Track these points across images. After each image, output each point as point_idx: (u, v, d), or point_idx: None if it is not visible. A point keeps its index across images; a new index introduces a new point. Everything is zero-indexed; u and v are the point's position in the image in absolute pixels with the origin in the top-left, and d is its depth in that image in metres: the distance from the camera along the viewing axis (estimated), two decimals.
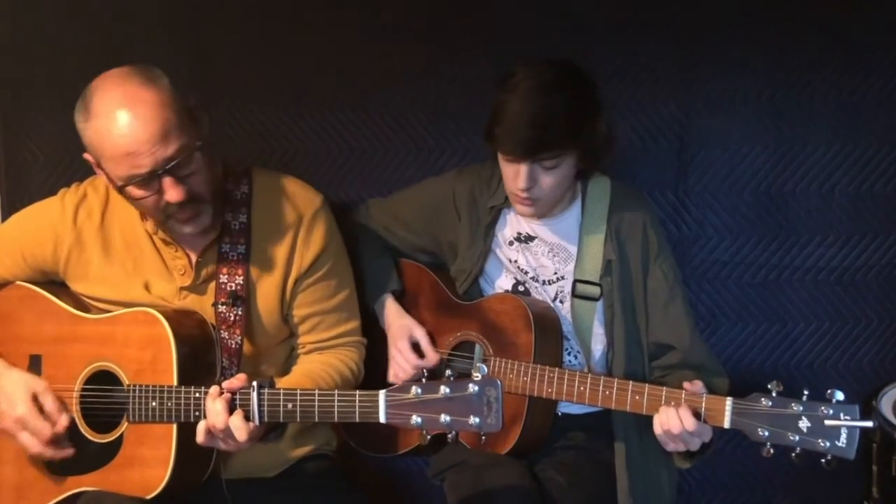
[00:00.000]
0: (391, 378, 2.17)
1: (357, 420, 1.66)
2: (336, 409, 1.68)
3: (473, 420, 1.58)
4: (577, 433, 2.15)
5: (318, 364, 2.00)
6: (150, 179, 1.74)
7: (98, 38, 2.47)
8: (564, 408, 2.14)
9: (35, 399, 1.86)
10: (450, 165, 2.47)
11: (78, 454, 1.89)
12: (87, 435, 1.90)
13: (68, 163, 2.52)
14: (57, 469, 1.92)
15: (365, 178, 2.53)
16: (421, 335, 2.16)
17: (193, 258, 1.94)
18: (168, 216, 1.81)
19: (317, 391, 1.70)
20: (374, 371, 2.16)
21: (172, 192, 1.75)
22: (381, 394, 1.63)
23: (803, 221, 2.44)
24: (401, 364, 2.15)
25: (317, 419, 1.71)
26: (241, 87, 2.49)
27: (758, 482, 2.54)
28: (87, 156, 1.82)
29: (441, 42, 2.47)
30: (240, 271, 1.93)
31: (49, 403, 1.86)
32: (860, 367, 2.48)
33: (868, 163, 2.42)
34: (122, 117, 1.71)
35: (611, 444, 2.06)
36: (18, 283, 2.00)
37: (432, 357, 2.14)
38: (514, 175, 1.96)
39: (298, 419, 1.71)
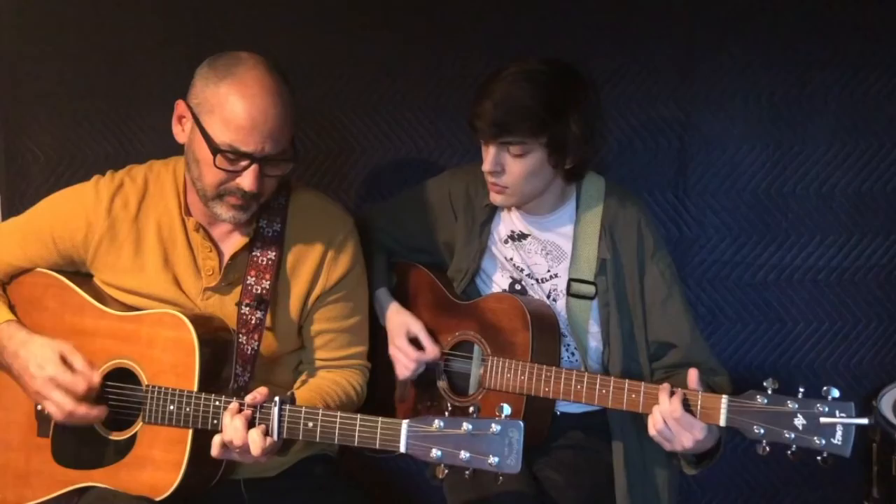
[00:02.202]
0: (400, 377, 2.17)
1: (377, 447, 1.65)
2: (357, 434, 1.68)
3: (493, 459, 1.58)
4: (576, 432, 2.14)
5: (326, 381, 2.01)
6: (241, 159, 1.78)
7: (98, 39, 2.47)
8: (563, 407, 2.14)
9: (64, 359, 1.86)
10: (450, 165, 2.47)
11: (89, 448, 1.89)
12: (99, 430, 1.89)
13: (68, 163, 2.52)
14: (65, 461, 1.91)
15: (365, 178, 2.53)
16: (418, 329, 2.15)
17: (225, 260, 1.95)
18: (222, 194, 1.83)
19: (339, 414, 1.70)
20: (372, 395, 2.15)
21: (248, 180, 1.79)
22: (404, 424, 1.63)
23: (803, 221, 2.45)
24: (402, 361, 2.14)
25: (336, 441, 1.70)
26: None
27: (757, 482, 2.54)
28: (183, 105, 1.83)
29: (441, 42, 2.47)
30: (267, 276, 1.93)
31: (78, 362, 1.86)
32: (860, 367, 2.48)
33: (868, 163, 2.42)
34: (263, 97, 1.77)
35: (609, 444, 2.06)
36: (43, 270, 1.99)
37: (432, 350, 2.12)
38: (485, 158, 1.99)
39: (318, 439, 1.71)
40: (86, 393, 1.83)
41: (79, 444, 1.90)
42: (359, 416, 1.68)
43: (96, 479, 1.88)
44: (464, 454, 1.59)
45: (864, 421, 1.62)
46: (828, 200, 2.44)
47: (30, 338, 1.90)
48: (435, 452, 1.60)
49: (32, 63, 2.50)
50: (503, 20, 2.45)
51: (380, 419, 1.66)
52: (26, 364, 1.87)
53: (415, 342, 2.15)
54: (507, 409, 1.59)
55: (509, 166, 1.96)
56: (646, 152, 2.45)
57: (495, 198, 2.04)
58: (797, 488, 2.52)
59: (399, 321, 2.16)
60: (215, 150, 1.78)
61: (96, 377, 1.85)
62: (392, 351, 2.16)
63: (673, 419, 1.76)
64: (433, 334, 2.19)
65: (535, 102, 1.90)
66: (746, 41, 2.40)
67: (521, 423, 1.58)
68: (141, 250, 1.95)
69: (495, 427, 1.58)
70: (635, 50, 2.41)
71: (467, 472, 1.61)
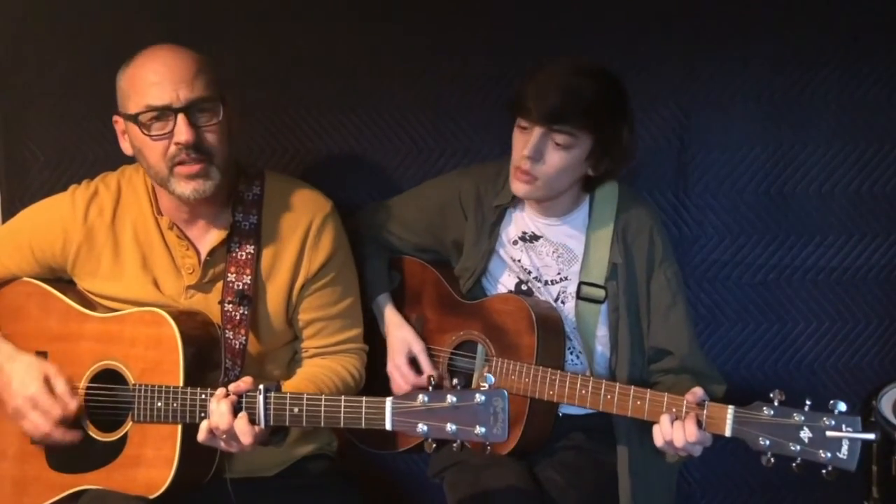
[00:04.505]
0: (394, 392, 2.17)
1: (363, 426, 1.66)
2: (342, 415, 1.68)
3: (479, 430, 1.58)
4: (578, 434, 2.14)
5: (321, 369, 2.00)
6: (165, 114, 1.79)
7: (97, 39, 2.46)
8: (565, 409, 2.14)
9: (47, 381, 1.87)
10: (450, 165, 2.47)
11: (82, 452, 1.89)
12: (91, 433, 1.90)
13: (68, 163, 2.52)
14: (60, 466, 1.92)
15: (365, 178, 2.53)
16: (419, 350, 2.15)
17: (203, 257, 1.95)
18: (174, 164, 1.83)
19: (323, 397, 1.70)
20: (373, 378, 2.15)
21: (182, 132, 1.79)
22: (388, 401, 1.63)
23: (803, 221, 2.44)
24: (398, 382, 2.15)
25: (322, 424, 1.70)
26: (240, 89, 2.48)
27: (757, 482, 2.54)
28: (116, 118, 1.89)
29: (441, 42, 2.46)
30: (248, 271, 1.94)
31: (60, 385, 1.87)
32: (860, 367, 2.48)
33: (868, 163, 2.42)
34: (161, 53, 1.84)
35: (611, 445, 2.06)
36: (26, 278, 2.01)
37: (429, 374, 2.13)
38: (524, 144, 1.95)
39: (304, 424, 1.71)
40: (62, 418, 1.85)
41: (72, 448, 1.90)
42: (343, 397, 1.69)
43: (91, 481, 1.88)
44: (450, 427, 1.59)
45: (871, 436, 1.62)
46: (828, 200, 2.43)
47: (17, 354, 1.91)
48: (421, 427, 1.60)
49: (32, 63, 2.50)
50: (503, 20, 2.44)
51: (364, 398, 1.66)
52: (9, 380, 1.88)
53: (414, 362, 2.15)
54: (490, 379, 1.59)
55: (549, 156, 1.95)
56: (646, 152, 2.44)
57: (519, 188, 2.01)
58: (797, 488, 2.52)
59: (401, 337, 2.17)
60: (136, 118, 1.81)
61: (74, 403, 1.86)
62: (390, 369, 2.17)
63: (690, 444, 1.76)
64: (437, 332, 2.19)
65: (598, 98, 1.91)
66: (746, 41, 2.40)
67: (505, 391, 1.58)
68: (119, 255, 1.96)
69: (479, 397, 1.58)
70: (635, 50, 2.41)
71: (455, 445, 1.61)
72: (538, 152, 1.94)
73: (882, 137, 2.41)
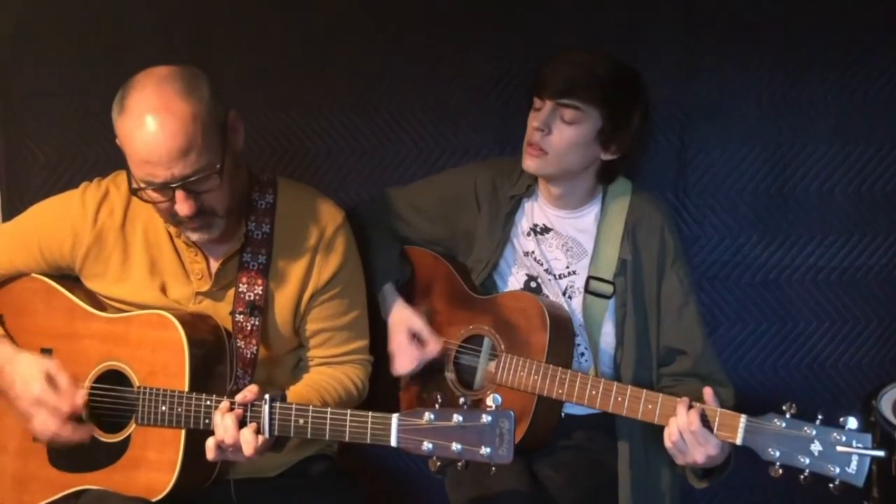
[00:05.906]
0: (395, 370, 2.14)
1: (368, 441, 1.66)
2: (347, 430, 1.68)
3: (484, 450, 1.58)
4: (579, 434, 2.14)
5: (325, 377, 2.00)
6: (164, 189, 1.76)
7: (97, 40, 2.47)
8: (568, 409, 2.14)
9: (50, 378, 1.86)
10: (450, 165, 2.47)
11: (84, 452, 1.89)
12: (93, 433, 1.89)
13: (68, 163, 2.52)
14: (61, 464, 1.92)
15: (365, 178, 2.53)
16: (420, 325, 2.13)
17: (213, 264, 1.95)
18: (178, 222, 1.83)
19: (329, 410, 1.70)
20: (376, 390, 2.15)
21: (183, 206, 1.76)
22: (394, 417, 1.63)
23: (803, 221, 2.44)
24: (401, 359, 2.13)
25: (328, 437, 1.70)
26: (240, 89, 2.49)
27: (757, 482, 2.54)
28: (118, 142, 1.83)
29: (441, 42, 2.47)
30: (259, 282, 1.93)
31: (63, 381, 1.86)
32: (860, 367, 2.48)
33: (868, 163, 2.42)
34: (148, 124, 1.72)
35: (612, 446, 2.06)
36: (34, 275, 2.00)
37: (433, 346, 2.11)
38: (534, 117, 2.00)
39: (309, 435, 1.71)
40: (70, 413, 1.84)
41: (74, 447, 1.89)
42: (349, 411, 1.68)
43: (92, 481, 1.88)
44: (455, 446, 1.59)
45: (881, 453, 1.64)
46: (828, 200, 2.43)
47: (16, 354, 1.90)
48: (426, 445, 1.60)
49: (32, 63, 2.50)
50: (503, 20, 2.45)
51: (370, 413, 1.66)
52: (12, 382, 1.87)
53: (417, 339, 2.14)
54: (497, 399, 1.59)
55: (558, 130, 1.98)
56: (646, 152, 2.44)
57: (530, 163, 2.04)
58: (797, 488, 2.51)
59: (399, 318, 2.15)
60: (135, 189, 1.79)
61: (80, 397, 1.85)
62: (391, 347, 2.15)
63: (689, 432, 1.76)
64: (446, 325, 2.18)
65: (611, 76, 1.97)
66: (746, 41, 2.40)
67: (512, 412, 1.58)
68: (128, 259, 1.95)
69: (486, 418, 1.58)
70: (635, 50, 2.41)
71: (459, 464, 1.61)
72: (547, 125, 1.98)
73: (882, 137, 2.41)
